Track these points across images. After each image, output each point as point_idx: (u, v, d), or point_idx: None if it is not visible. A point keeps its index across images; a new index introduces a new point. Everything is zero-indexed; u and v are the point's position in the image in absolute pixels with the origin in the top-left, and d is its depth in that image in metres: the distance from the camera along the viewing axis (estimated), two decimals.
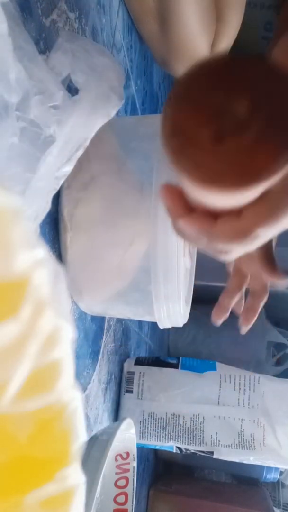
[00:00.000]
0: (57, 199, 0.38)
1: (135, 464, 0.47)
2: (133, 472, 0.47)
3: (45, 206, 0.27)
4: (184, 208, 0.24)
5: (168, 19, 0.58)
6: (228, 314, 0.41)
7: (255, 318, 0.42)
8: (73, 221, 0.37)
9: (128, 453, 0.47)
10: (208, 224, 0.24)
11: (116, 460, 0.47)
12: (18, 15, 0.29)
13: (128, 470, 0.47)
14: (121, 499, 0.47)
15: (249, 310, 0.41)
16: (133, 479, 0.47)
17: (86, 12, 0.42)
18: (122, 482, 0.47)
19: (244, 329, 0.42)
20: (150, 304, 0.38)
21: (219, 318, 0.41)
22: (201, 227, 0.24)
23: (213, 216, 0.23)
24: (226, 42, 0.67)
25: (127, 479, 0.47)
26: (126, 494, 0.47)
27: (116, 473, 0.47)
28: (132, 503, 0.47)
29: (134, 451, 0.47)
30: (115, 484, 0.47)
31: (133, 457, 0.47)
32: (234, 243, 0.23)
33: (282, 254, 0.45)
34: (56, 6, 0.35)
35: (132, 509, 0.47)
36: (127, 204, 0.37)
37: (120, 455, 0.47)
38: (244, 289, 0.42)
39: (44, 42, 0.34)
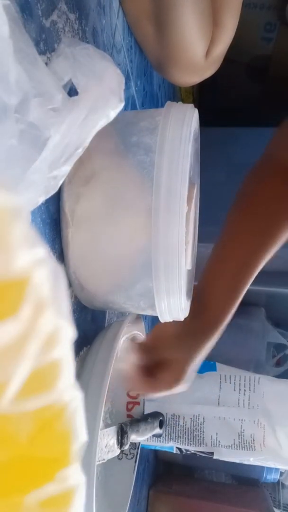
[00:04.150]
0: (58, 194, 0.38)
1: None
2: None
3: (34, 204, 0.27)
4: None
5: (164, 22, 0.58)
6: None
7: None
8: (74, 216, 0.37)
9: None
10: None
11: None
12: (19, 16, 0.29)
13: None
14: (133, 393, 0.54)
15: None
16: None
17: (86, 13, 0.42)
18: None
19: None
20: (152, 298, 0.38)
21: None
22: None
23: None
24: (221, 47, 0.67)
25: None
26: None
27: None
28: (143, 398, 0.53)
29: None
30: None
31: None
32: None
33: (283, 255, 0.45)
34: (56, 7, 0.35)
35: (143, 403, 0.54)
36: (128, 199, 0.37)
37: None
38: None
39: (44, 43, 0.34)
